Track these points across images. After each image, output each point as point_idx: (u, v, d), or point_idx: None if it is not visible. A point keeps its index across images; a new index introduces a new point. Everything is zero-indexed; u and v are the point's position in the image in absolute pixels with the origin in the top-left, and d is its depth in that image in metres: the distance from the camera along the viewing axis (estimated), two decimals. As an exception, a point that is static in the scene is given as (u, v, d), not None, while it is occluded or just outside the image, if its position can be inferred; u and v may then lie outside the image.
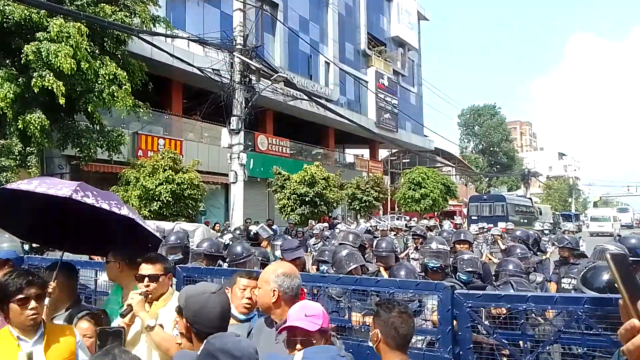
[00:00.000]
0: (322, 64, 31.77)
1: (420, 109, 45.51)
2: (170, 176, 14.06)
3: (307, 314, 2.16)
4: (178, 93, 23.03)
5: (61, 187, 2.83)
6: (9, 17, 11.83)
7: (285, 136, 27.82)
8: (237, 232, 10.48)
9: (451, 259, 4.97)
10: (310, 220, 16.70)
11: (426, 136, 44.08)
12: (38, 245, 6.82)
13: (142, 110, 15.10)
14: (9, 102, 11.64)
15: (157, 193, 13.81)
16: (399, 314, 2.31)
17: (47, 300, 2.80)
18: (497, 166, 68.37)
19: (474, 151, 69.95)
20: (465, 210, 31.35)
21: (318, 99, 21.76)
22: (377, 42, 38.89)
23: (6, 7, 11.72)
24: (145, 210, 13.71)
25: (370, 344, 2.40)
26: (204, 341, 1.82)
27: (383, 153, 44.26)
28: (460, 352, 3.01)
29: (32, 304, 2.37)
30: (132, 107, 14.03)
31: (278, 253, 6.13)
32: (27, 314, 2.36)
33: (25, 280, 2.39)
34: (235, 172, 14.30)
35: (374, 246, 6.78)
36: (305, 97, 19.62)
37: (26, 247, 6.81)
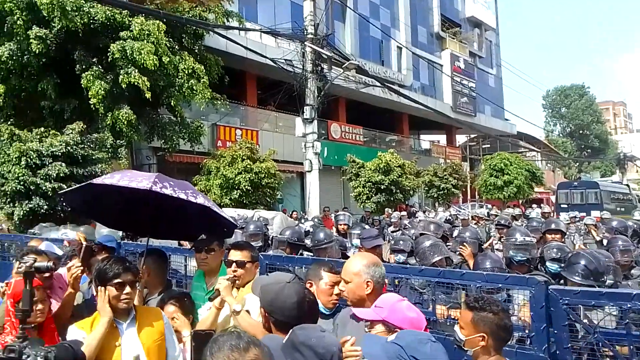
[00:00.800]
0: (394, 49, 31.07)
1: (500, 92, 43.29)
2: (248, 165, 14.45)
3: (377, 304, 2.16)
4: (252, 85, 23.59)
5: (141, 180, 2.94)
6: (95, 18, 12.64)
7: (358, 124, 27.63)
8: (316, 219, 10.55)
9: (537, 250, 4.63)
10: (386, 209, 16.47)
11: (507, 120, 41.90)
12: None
13: (219, 103, 15.66)
14: (100, 98, 12.50)
15: (236, 182, 14.26)
16: (504, 314, 2.20)
17: (138, 285, 2.94)
18: (588, 150, 63.54)
19: (561, 134, 65.54)
20: (553, 198, 29.47)
21: (390, 85, 21.31)
22: (452, 24, 37.36)
23: (91, 9, 12.52)
24: (226, 198, 14.20)
25: (465, 347, 2.24)
26: (290, 331, 1.81)
27: (461, 139, 42.70)
28: (557, 352, 2.80)
29: (127, 289, 2.50)
30: (210, 100, 14.58)
31: (355, 241, 6.06)
32: (122, 298, 2.49)
33: (122, 267, 2.52)
34: (310, 160, 14.39)
35: (453, 235, 6.51)
36: (378, 84, 19.29)
37: (120, 233, 7.28)
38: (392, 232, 10.81)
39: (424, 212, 18.94)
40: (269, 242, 6.03)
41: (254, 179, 14.38)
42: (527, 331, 2.94)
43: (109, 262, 2.56)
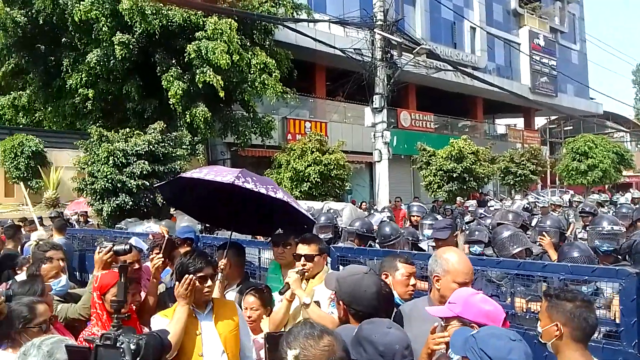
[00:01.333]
0: (467, 30, 29.88)
1: (584, 69, 40.32)
2: (317, 158, 14.60)
3: (451, 300, 2.10)
4: (321, 76, 23.73)
5: (225, 174, 3.08)
6: (172, 20, 13.28)
7: (429, 110, 26.98)
8: (386, 210, 10.45)
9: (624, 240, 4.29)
10: (457, 197, 15.97)
11: (592, 99, 38.98)
12: (209, 226, 7.62)
13: (289, 96, 15.94)
14: (178, 98, 13.18)
15: (306, 174, 14.47)
16: (583, 303, 2.04)
17: (219, 276, 3.09)
18: (686, 128, 57.68)
19: (654, 112, 59.92)
20: (644, 182, 27.14)
21: (463, 68, 20.55)
22: (530, -1, 35.22)
23: (169, 12, 13.17)
24: (296, 191, 14.47)
25: (542, 339, 2.13)
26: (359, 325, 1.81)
27: (540, 121, 40.36)
28: None
29: (208, 282, 2.62)
30: (280, 94, 14.87)
31: (427, 232, 5.93)
32: (204, 290, 2.61)
33: (204, 261, 2.64)
34: (380, 150, 14.24)
35: (532, 224, 6.18)
36: (450, 68, 18.65)
37: (199, 227, 7.64)
38: (467, 221, 10.47)
39: (501, 200, 18.15)
40: (339, 233, 6.06)
41: (324, 171, 14.52)
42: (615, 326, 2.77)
43: (192, 256, 2.68)
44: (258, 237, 6.23)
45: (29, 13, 13.66)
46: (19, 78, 16.14)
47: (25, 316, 2.21)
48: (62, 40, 14.60)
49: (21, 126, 16.75)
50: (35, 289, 2.72)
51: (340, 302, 2.12)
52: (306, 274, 2.95)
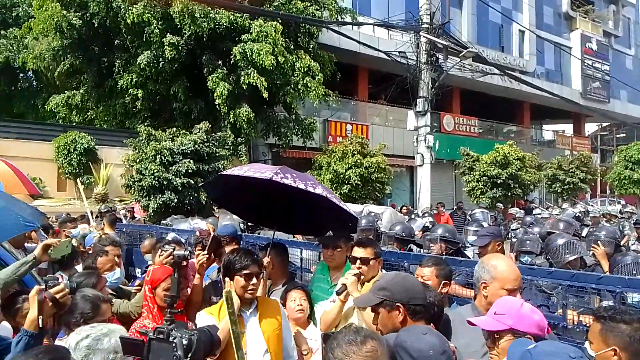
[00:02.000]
0: (516, 33, 29.06)
1: (639, 74, 38.44)
2: (358, 160, 14.54)
3: (497, 311, 2.01)
4: (364, 79, 23.65)
5: (265, 171, 3.12)
6: (220, 23, 13.57)
7: (473, 114, 26.41)
8: (426, 214, 10.29)
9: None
10: (498, 204, 15.52)
11: (648, 105, 37.13)
12: (252, 225, 7.72)
13: (331, 99, 15.97)
14: (223, 99, 13.43)
15: (346, 177, 14.43)
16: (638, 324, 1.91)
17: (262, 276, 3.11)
18: None
19: None
20: None
21: (511, 72, 19.99)
22: (583, 1, 33.89)
23: (217, 15, 13.46)
24: (336, 193, 14.42)
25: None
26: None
27: (591, 128, 38.75)
28: None
29: (254, 280, 2.65)
30: (323, 96, 14.92)
31: (470, 238, 5.79)
32: (249, 288, 2.64)
33: (250, 259, 2.67)
34: (422, 154, 14.05)
35: (583, 234, 5.94)
36: (497, 71, 18.20)
37: (241, 226, 7.75)
38: (514, 229, 10.15)
39: (547, 208, 17.52)
40: (380, 237, 5.99)
41: (364, 174, 14.43)
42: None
43: (238, 254, 2.72)
44: (298, 237, 6.27)
45: (84, 16, 14.25)
46: (74, 78, 16.85)
47: (87, 313, 2.29)
48: (115, 42, 15.16)
49: (74, 124, 17.50)
50: (91, 281, 2.82)
51: (399, 306, 2.07)
52: (362, 277, 2.94)
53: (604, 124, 38.41)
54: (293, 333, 2.90)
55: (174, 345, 1.46)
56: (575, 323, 3.08)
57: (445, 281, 2.90)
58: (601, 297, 3.21)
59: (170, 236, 4.77)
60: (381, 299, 2.10)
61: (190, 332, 1.51)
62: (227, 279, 2.67)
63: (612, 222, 10.26)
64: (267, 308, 2.75)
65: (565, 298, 3.07)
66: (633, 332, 1.91)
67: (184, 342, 1.47)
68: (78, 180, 12.96)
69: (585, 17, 33.40)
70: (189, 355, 1.47)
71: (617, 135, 38.77)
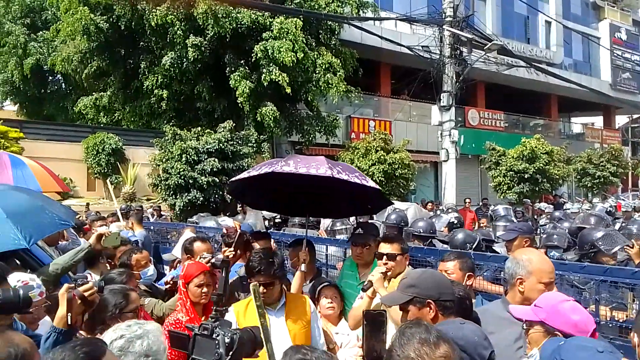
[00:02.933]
0: (542, 24, 28.43)
1: (672, 63, 37.18)
2: (382, 157, 14.44)
3: (537, 303, 2.04)
4: (386, 74, 23.50)
5: (316, 165, 3.10)
6: (241, 22, 13.66)
7: (499, 108, 25.97)
8: (450, 210, 10.17)
9: None
10: (524, 200, 15.21)
11: (681, 96, 35.88)
12: (279, 222, 7.80)
13: (353, 95, 15.91)
14: (245, 97, 13.53)
15: (370, 173, 14.34)
16: None
17: (302, 267, 3.19)
18: None
19: None
20: None
21: (537, 64, 19.57)
22: (611, -11, 32.96)
23: (239, 14, 13.55)
24: (360, 190, 14.42)
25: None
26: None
27: (621, 120, 37.65)
28: None
29: (261, 289, 2.64)
30: (344, 93, 14.88)
31: (499, 233, 5.71)
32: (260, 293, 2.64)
33: (255, 269, 2.68)
34: (447, 149, 13.90)
35: (616, 228, 5.76)
36: (523, 64, 17.85)
37: (265, 223, 7.82)
38: (542, 224, 9.95)
39: (580, 202, 17.12)
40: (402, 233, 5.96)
41: (388, 170, 14.33)
42: None
43: (256, 260, 2.73)
44: (322, 233, 6.28)
45: (110, 19, 14.52)
46: (101, 80, 17.19)
47: (120, 302, 2.35)
48: (140, 44, 15.42)
49: (102, 125, 17.90)
50: (121, 279, 2.88)
51: (430, 302, 2.06)
52: (388, 273, 2.94)
53: (635, 116, 37.26)
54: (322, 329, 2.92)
55: (216, 342, 1.50)
56: (608, 319, 3.03)
57: (470, 273, 2.91)
58: (635, 292, 3.14)
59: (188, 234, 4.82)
60: (411, 297, 2.08)
61: (234, 331, 1.55)
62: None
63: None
64: (295, 306, 2.75)
65: (598, 293, 3.01)
66: None
67: (227, 340, 1.50)
68: (108, 180, 13.27)
69: (614, 6, 32.44)
70: (230, 353, 1.50)
71: (649, 127, 37.60)
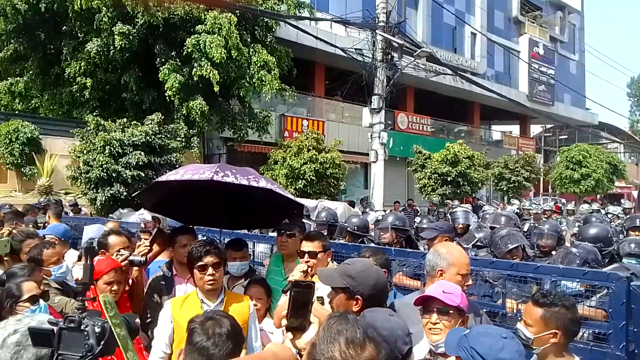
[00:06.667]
0: (468, 36, 29.97)
1: (582, 79, 40.57)
2: (314, 156, 14.60)
3: (445, 290, 2.13)
4: (320, 75, 23.72)
5: (203, 172, 3.07)
6: (174, 13, 13.24)
7: (426, 114, 27.03)
8: (369, 209, 10.47)
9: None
10: (447, 201, 16.03)
11: (588, 109, 39.22)
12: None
13: (288, 94, 15.94)
14: (175, 90, 13.14)
15: (302, 172, 14.47)
16: (575, 309, 2.15)
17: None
18: (679, 142, 58.12)
19: (648, 125, 60.34)
20: (635, 194, 27.31)
21: (463, 73, 20.62)
22: (532, 7, 35.32)
23: (172, 5, 13.13)
24: (291, 188, 14.48)
25: (534, 345, 2.16)
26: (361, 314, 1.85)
27: (536, 129, 40.55)
28: (636, 351, 2.69)
29: (210, 270, 2.63)
30: (278, 91, 14.87)
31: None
32: (206, 279, 2.63)
33: (204, 249, 2.65)
34: (376, 151, 14.31)
35: (524, 229, 6.26)
36: (449, 72, 18.73)
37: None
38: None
39: (491, 205, 18.26)
40: (336, 231, 6.07)
41: (319, 169, 14.52)
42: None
43: (197, 245, 2.71)
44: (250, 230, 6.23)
45: (30, 0, 13.56)
46: (17, 64, 16.01)
47: (12, 294, 2.23)
48: (63, 28, 14.50)
49: (17, 112, 16.63)
50: (23, 272, 2.71)
51: (359, 298, 2.09)
52: (310, 270, 2.96)
53: (548, 126, 40.27)
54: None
55: (85, 333, 1.41)
56: (515, 311, 3.26)
57: (384, 269, 3.04)
58: (540, 286, 3.42)
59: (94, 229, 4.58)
60: (344, 286, 2.12)
61: (104, 320, 1.46)
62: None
63: (553, 219, 10.81)
64: (234, 303, 2.72)
65: (505, 287, 3.25)
66: (572, 316, 2.12)
67: (97, 330, 1.41)
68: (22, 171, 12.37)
69: (533, 22, 34.82)
70: (102, 342, 1.41)
71: (560, 137, 40.73)
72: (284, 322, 1.78)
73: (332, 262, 3.24)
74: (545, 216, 10.85)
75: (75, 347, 1.40)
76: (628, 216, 9.06)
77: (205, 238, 4.81)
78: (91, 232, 4.31)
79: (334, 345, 1.30)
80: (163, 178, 3.33)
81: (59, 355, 1.39)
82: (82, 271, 1.64)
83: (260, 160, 16.92)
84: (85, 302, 1.53)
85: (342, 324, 1.36)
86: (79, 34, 14.15)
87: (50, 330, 1.43)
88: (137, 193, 3.95)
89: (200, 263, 2.62)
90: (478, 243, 4.70)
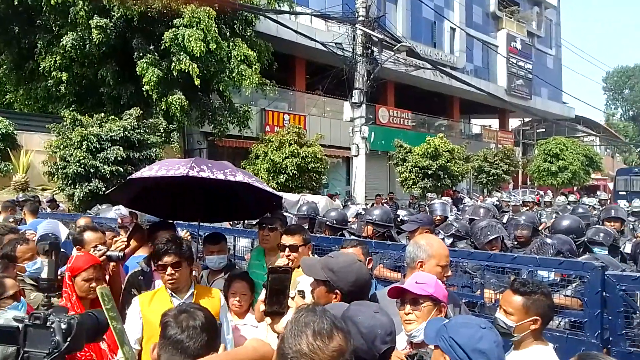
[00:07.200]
0: (447, 30, 30.18)
1: (558, 73, 41.23)
2: (295, 150, 14.59)
3: (417, 281, 2.17)
4: (301, 69, 23.65)
5: (178, 167, 3.00)
6: (152, 6, 13.02)
7: (407, 108, 27.20)
8: (349, 202, 10.51)
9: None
10: (428, 194, 16.20)
11: (565, 103, 39.93)
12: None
13: (268, 88, 15.85)
14: (153, 85, 12.94)
15: (283, 166, 14.44)
16: (551, 296, 2.23)
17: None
18: (651, 135, 59.69)
19: (622, 118, 61.82)
20: (610, 185, 27.99)
21: (442, 68, 20.79)
22: (509, 2, 35.72)
23: (148, -2, 12.90)
24: (273, 182, 14.46)
25: (515, 333, 2.21)
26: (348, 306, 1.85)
27: (514, 123, 41.15)
28: (611, 338, 2.76)
29: (169, 270, 2.61)
30: (258, 85, 14.77)
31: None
32: (165, 278, 2.63)
33: (163, 249, 2.63)
34: (357, 145, 14.33)
35: (503, 221, 6.36)
36: (429, 66, 18.86)
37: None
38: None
39: (471, 198, 18.51)
40: (315, 224, 6.08)
41: (301, 164, 14.52)
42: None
43: (161, 243, 2.68)
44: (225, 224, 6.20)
45: (2, -7, 13.21)
46: (-11, 58, 15.62)
47: None
48: (37, 22, 14.14)
49: (-10, 108, 16.24)
50: None
51: (338, 293, 2.10)
52: (291, 264, 2.94)
53: (526, 120, 40.91)
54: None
55: (51, 330, 1.38)
56: (493, 301, 3.32)
57: (370, 257, 3.13)
58: (518, 276, 3.48)
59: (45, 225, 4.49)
60: (325, 279, 2.12)
61: (71, 316, 1.43)
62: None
63: (532, 211, 10.99)
64: (204, 297, 2.70)
65: (483, 277, 3.30)
66: (549, 302, 2.21)
67: (63, 326, 1.38)
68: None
69: (511, 17, 35.25)
70: (69, 339, 1.39)
71: (538, 130, 41.44)
72: (262, 307, 1.78)
73: (313, 256, 3.24)
74: (526, 208, 11.02)
75: (41, 345, 1.37)
76: (603, 207, 9.28)
77: (186, 232, 4.83)
78: (44, 227, 4.23)
79: (302, 338, 1.27)
80: (137, 175, 3.27)
81: (25, 353, 1.36)
82: (46, 268, 1.60)
83: (241, 154, 16.82)
84: (51, 298, 1.50)
85: (309, 316, 1.33)
86: (53, 28, 13.82)
87: (15, 327, 1.40)
88: (110, 190, 3.87)
89: (159, 263, 2.61)
90: (457, 233, 4.75)
